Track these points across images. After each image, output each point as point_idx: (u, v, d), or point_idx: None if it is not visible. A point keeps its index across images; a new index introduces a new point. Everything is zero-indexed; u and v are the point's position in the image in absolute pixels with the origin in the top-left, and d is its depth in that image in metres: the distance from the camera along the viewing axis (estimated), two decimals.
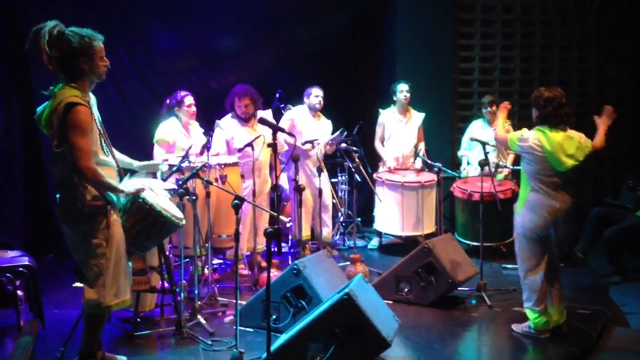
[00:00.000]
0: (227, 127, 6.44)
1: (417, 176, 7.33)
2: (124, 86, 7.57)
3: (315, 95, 7.05)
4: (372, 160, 7.78)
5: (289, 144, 6.72)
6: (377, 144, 7.63)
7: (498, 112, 5.62)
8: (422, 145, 7.58)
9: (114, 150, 4.24)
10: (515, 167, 7.15)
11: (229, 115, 6.55)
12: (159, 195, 4.44)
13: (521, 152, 4.95)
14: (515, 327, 5.18)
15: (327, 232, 7.15)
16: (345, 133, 7.05)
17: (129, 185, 4.19)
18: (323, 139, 6.98)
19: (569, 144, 4.86)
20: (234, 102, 6.50)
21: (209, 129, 6.01)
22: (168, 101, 6.28)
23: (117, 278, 4.09)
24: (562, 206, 4.90)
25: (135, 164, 4.55)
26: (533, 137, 4.88)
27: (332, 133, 7.11)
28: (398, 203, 7.22)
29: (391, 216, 7.31)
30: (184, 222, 4.51)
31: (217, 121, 6.42)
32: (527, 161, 4.94)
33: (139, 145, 6.50)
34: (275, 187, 5.79)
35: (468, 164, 7.64)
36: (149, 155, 6.06)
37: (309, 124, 7.06)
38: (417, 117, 7.58)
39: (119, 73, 7.36)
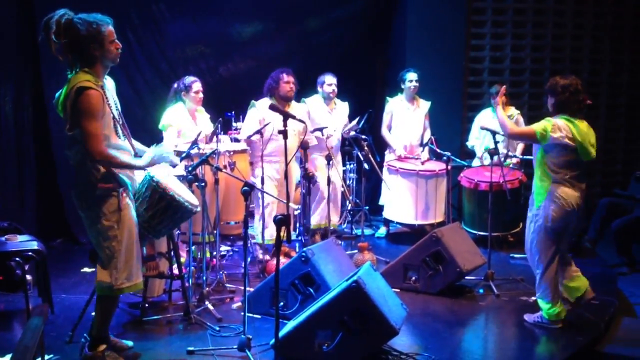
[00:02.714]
0: (263, 108, 6.35)
1: (425, 165, 7.31)
2: (133, 73, 7.57)
3: (329, 84, 7.00)
4: (379, 148, 7.76)
5: (317, 138, 6.72)
6: (385, 132, 7.60)
7: (498, 99, 5.33)
8: (427, 133, 7.55)
9: (132, 138, 4.26)
10: (525, 157, 7.15)
11: (267, 97, 6.47)
12: (174, 181, 4.45)
13: (552, 143, 4.79)
14: (527, 317, 5.17)
15: (334, 220, 7.16)
16: (363, 121, 7.02)
17: (146, 159, 4.20)
18: (338, 127, 6.97)
19: (591, 133, 4.89)
20: (280, 79, 6.35)
21: (217, 116, 6.00)
22: (176, 85, 6.24)
23: (129, 261, 4.12)
24: (581, 195, 4.91)
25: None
26: (565, 126, 4.79)
27: (350, 117, 7.10)
28: (412, 191, 7.20)
29: (404, 204, 7.30)
30: (198, 208, 4.51)
31: (253, 101, 6.41)
32: (554, 153, 4.82)
33: (148, 132, 6.50)
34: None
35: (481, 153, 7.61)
36: (158, 143, 6.05)
37: (324, 113, 7.04)
38: (424, 106, 7.55)
39: (128, 60, 7.37)
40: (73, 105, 3.89)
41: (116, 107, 4.15)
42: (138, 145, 4.34)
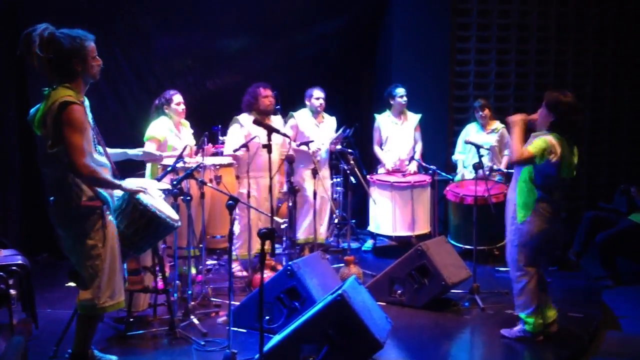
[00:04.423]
0: (246, 123, 6.40)
1: (407, 177, 7.37)
2: (120, 87, 7.56)
3: (316, 98, 7.03)
4: (370, 163, 7.80)
5: (304, 152, 6.72)
6: (376, 149, 7.66)
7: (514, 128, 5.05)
8: (419, 146, 7.60)
9: (106, 149, 4.24)
10: (510, 171, 7.19)
11: (246, 113, 6.50)
12: (154, 196, 4.42)
13: (547, 163, 4.74)
14: (506, 332, 5.12)
15: (321, 234, 7.15)
16: (348, 131, 7.03)
17: (128, 182, 4.20)
18: (325, 139, 6.99)
19: (573, 154, 4.89)
20: (259, 94, 6.41)
21: (203, 131, 6.00)
22: (157, 101, 6.21)
23: (112, 279, 4.08)
24: (560, 211, 4.94)
25: (130, 151, 4.61)
26: (557, 145, 4.74)
27: (337, 130, 7.12)
28: (396, 204, 7.25)
29: (382, 217, 7.36)
30: (179, 223, 4.47)
31: (236, 117, 6.42)
32: (544, 170, 4.78)
33: (135, 146, 6.47)
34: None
35: (464, 167, 7.66)
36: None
37: (312, 127, 7.06)
38: (413, 119, 7.60)
39: (115, 74, 7.36)
40: (56, 120, 3.84)
41: (93, 123, 4.12)
42: (110, 150, 4.30)
